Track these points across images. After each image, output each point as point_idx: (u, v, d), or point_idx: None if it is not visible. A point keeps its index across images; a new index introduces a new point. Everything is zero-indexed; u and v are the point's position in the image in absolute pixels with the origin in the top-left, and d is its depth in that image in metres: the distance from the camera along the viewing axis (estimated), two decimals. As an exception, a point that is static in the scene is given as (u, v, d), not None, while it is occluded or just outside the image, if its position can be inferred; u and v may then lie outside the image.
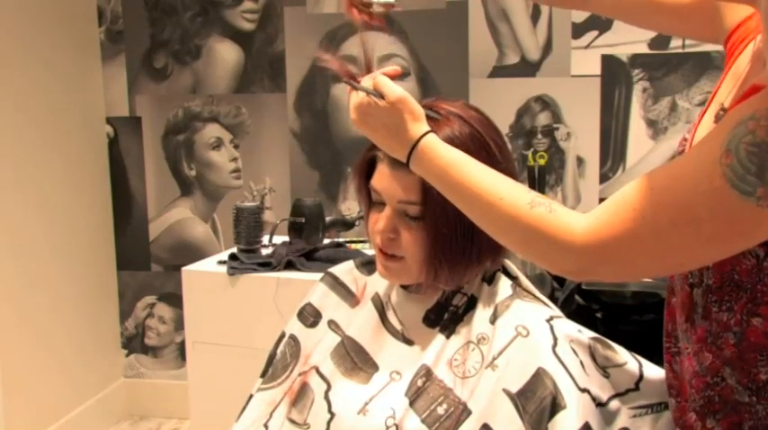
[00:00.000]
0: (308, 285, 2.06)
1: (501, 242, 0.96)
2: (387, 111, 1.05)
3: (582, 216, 0.88)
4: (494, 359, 1.06)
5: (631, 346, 1.15)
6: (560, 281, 2.19)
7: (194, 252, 2.97)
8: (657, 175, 0.84)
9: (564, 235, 0.87)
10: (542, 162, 2.65)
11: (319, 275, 2.08)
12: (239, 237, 2.26)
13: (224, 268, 2.19)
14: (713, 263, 0.90)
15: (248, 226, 2.25)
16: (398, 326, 1.17)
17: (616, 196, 0.86)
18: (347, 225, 2.41)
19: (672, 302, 1.02)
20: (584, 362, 1.06)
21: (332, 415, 1.13)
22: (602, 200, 2.67)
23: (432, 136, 1.01)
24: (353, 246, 2.37)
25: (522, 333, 1.07)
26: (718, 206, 0.78)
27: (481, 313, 1.12)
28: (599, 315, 1.93)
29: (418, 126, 1.02)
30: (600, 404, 1.05)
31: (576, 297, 1.98)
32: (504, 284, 1.15)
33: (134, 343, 3.15)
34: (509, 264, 1.20)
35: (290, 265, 2.16)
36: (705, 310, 0.92)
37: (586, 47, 2.63)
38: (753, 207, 0.76)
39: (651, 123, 2.61)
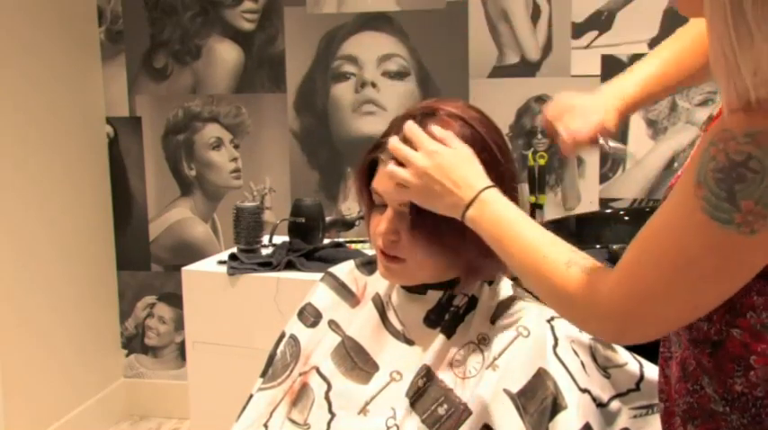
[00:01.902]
0: (308, 285, 2.06)
1: (540, 298, 0.99)
2: (460, 159, 1.05)
3: (607, 280, 0.87)
4: (494, 359, 1.06)
5: (632, 348, 1.15)
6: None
7: (194, 252, 2.97)
8: (649, 227, 0.85)
9: (590, 304, 0.88)
10: (542, 162, 2.65)
11: (319, 275, 2.08)
12: (239, 237, 2.26)
13: (224, 268, 2.19)
14: None
15: (248, 226, 2.25)
16: (399, 327, 1.17)
17: (627, 257, 0.87)
18: (347, 225, 2.41)
19: None
20: (585, 363, 1.06)
21: (332, 415, 1.14)
22: (601, 200, 2.68)
23: (493, 190, 1.01)
24: (353, 246, 2.37)
25: (523, 333, 1.08)
26: (708, 241, 0.78)
27: (482, 313, 1.13)
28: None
29: (482, 179, 1.03)
30: (600, 404, 1.05)
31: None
32: (504, 285, 1.16)
33: (134, 343, 3.15)
34: None
35: (289, 265, 2.16)
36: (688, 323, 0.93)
37: (586, 47, 2.62)
38: (735, 235, 0.76)
39: (651, 123, 2.61)
